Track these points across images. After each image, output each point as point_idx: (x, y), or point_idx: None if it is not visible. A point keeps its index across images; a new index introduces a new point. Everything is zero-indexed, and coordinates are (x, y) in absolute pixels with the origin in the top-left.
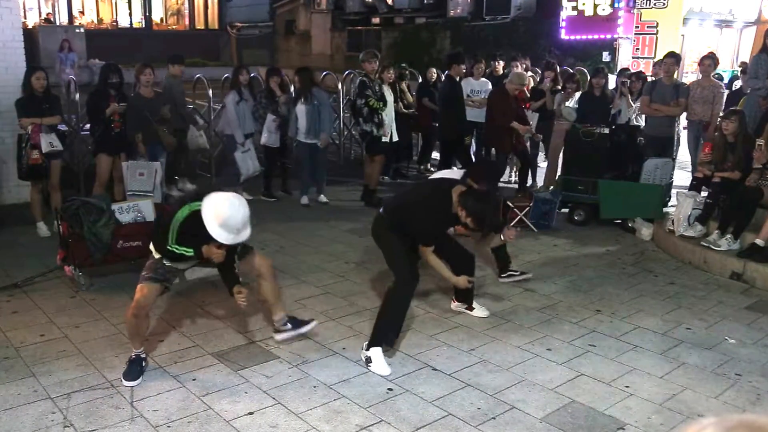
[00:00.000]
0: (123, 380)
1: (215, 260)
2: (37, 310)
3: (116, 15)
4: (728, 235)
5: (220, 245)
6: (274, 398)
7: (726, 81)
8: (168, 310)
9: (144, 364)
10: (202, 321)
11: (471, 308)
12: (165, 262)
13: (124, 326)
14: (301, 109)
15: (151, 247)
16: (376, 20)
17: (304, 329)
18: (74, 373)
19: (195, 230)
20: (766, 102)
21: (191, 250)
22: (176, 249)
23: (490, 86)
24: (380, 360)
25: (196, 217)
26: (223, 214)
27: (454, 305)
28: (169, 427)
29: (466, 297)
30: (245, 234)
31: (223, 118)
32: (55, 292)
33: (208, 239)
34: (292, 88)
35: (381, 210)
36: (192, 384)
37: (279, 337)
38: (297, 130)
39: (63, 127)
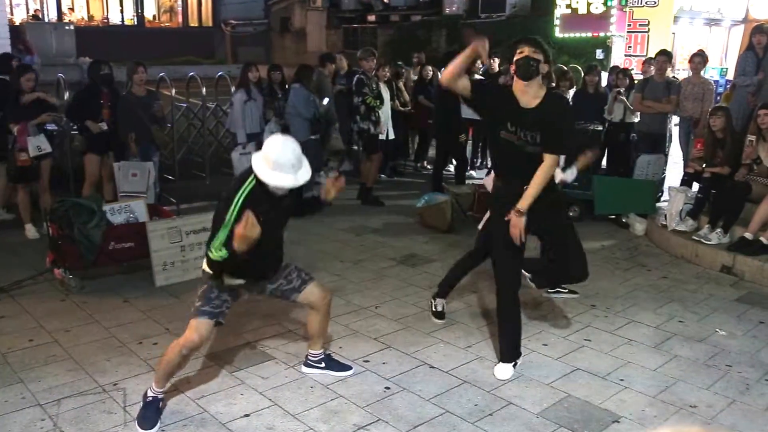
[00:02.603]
0: (138, 428)
1: (252, 235)
2: (25, 314)
3: (107, 12)
4: (718, 230)
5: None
6: (270, 399)
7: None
8: (162, 311)
9: (161, 405)
10: None
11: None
12: (224, 281)
13: (116, 329)
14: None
15: (205, 266)
16: (371, 18)
17: (338, 374)
18: (64, 379)
19: (257, 203)
20: (755, 99)
21: (241, 280)
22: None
23: None
24: (508, 372)
25: (254, 190)
26: (272, 155)
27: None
28: (163, 431)
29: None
30: (304, 173)
31: (229, 115)
32: (44, 296)
33: (273, 206)
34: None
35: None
36: (187, 387)
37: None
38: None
39: (52, 127)
